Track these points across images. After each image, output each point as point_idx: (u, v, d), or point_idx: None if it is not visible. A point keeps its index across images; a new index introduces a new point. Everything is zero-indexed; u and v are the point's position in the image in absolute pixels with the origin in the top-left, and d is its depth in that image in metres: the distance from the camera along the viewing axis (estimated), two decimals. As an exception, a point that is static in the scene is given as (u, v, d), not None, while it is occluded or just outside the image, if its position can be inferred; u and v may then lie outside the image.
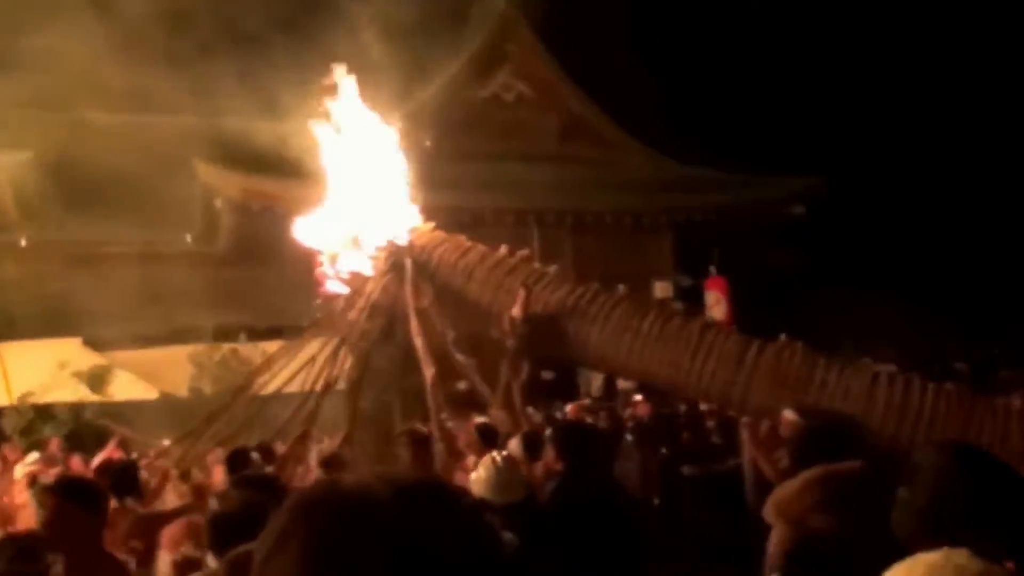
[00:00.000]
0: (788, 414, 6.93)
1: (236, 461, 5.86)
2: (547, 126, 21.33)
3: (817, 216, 20.25)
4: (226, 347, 17.87)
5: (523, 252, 8.98)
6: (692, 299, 20.58)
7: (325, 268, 9.00)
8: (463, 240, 9.15)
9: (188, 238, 19.44)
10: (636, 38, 21.52)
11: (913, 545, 2.21)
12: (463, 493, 1.08)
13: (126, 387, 16.94)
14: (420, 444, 6.47)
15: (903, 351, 16.73)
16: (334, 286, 9.05)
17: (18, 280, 16.52)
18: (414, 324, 8.24)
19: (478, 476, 4.56)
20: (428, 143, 9.68)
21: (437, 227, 9.43)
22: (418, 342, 8.17)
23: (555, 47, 21.04)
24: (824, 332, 17.88)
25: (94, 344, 17.77)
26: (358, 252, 9.04)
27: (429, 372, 8.02)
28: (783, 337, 7.91)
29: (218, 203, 18.94)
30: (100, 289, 15.65)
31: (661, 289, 20.85)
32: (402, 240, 8.92)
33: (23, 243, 18.27)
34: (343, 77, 9.36)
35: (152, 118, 18.80)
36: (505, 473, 4.55)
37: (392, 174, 9.41)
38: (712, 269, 20.72)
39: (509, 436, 7.09)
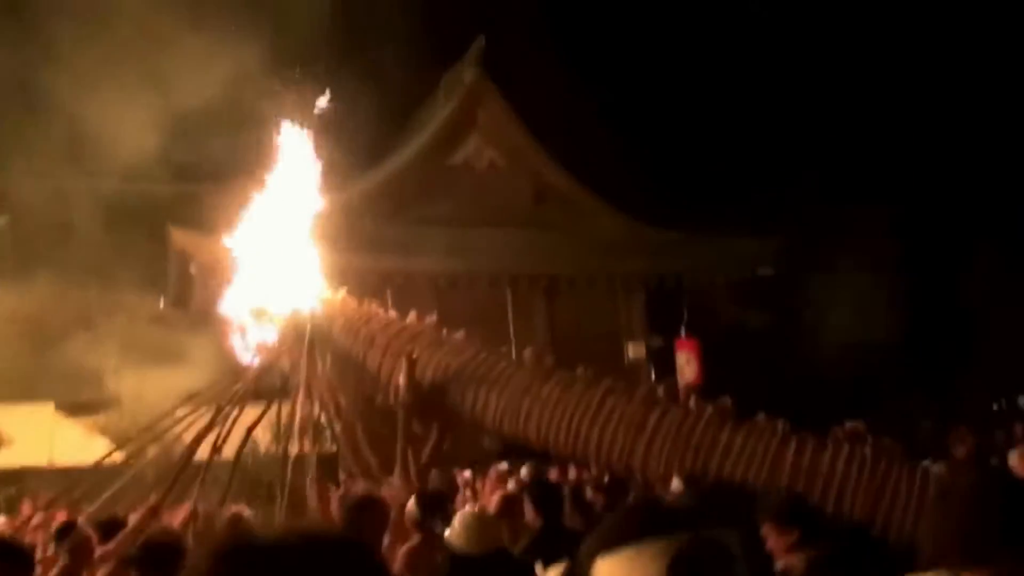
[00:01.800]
0: (675, 483, 7.00)
1: (64, 533, 5.72)
2: (519, 192, 21.41)
3: (785, 276, 20.31)
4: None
5: (431, 318, 9.09)
6: (664, 360, 20.77)
7: (235, 338, 9.14)
8: (372, 308, 9.26)
9: (161, 302, 19.67)
10: (605, 105, 21.82)
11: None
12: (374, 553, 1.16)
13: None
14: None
15: (871, 408, 16.78)
16: (245, 355, 9.19)
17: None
18: (301, 394, 8.32)
19: (454, 529, 4.71)
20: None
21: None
22: (298, 411, 8.24)
23: (525, 114, 21.28)
24: (796, 388, 18.09)
25: (68, 409, 17.83)
26: (268, 322, 9.18)
27: (306, 444, 8.07)
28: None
29: (192, 268, 19.14)
30: (74, 353, 15.78)
31: (634, 350, 21.01)
32: (306, 310, 9.06)
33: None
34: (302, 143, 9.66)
35: (127, 185, 19.10)
36: (479, 526, 4.70)
37: (308, 243, 9.57)
38: (682, 330, 20.89)
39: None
